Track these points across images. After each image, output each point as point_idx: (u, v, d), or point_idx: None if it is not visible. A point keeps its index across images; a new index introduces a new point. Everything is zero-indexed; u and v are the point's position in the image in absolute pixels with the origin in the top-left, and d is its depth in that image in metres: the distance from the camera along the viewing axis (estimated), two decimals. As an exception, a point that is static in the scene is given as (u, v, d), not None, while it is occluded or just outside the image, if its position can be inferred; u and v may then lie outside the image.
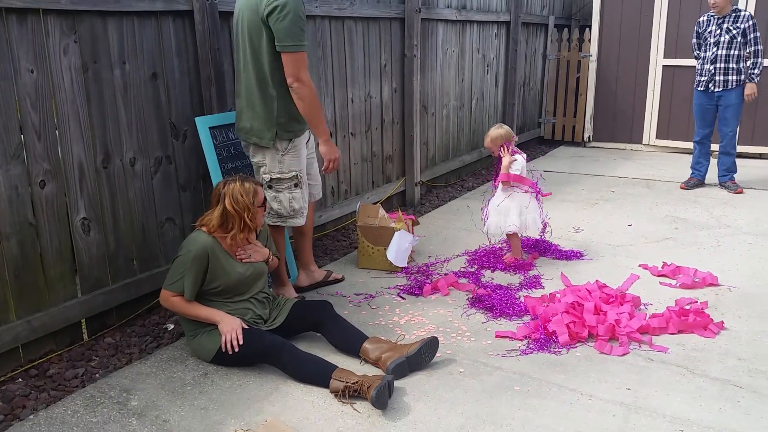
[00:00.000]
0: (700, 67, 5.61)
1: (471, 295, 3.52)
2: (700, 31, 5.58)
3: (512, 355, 2.91)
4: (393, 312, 3.39)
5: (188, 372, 2.81)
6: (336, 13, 4.36)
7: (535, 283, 3.71)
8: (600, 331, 3.00)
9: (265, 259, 3.01)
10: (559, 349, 2.95)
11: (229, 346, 2.69)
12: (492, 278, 3.82)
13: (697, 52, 5.66)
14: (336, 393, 2.56)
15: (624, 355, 2.89)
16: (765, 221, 4.80)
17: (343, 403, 2.53)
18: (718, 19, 5.41)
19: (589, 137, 8.04)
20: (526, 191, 3.90)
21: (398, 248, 3.89)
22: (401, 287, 3.70)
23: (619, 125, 7.82)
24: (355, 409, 2.49)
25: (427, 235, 4.65)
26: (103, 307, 3.15)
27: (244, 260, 2.88)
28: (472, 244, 4.41)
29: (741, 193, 5.59)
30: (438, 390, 2.63)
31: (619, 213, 5.12)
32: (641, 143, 7.70)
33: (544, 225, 4.04)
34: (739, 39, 5.34)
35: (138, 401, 2.60)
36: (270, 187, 3.23)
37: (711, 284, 3.63)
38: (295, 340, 2.99)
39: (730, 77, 5.42)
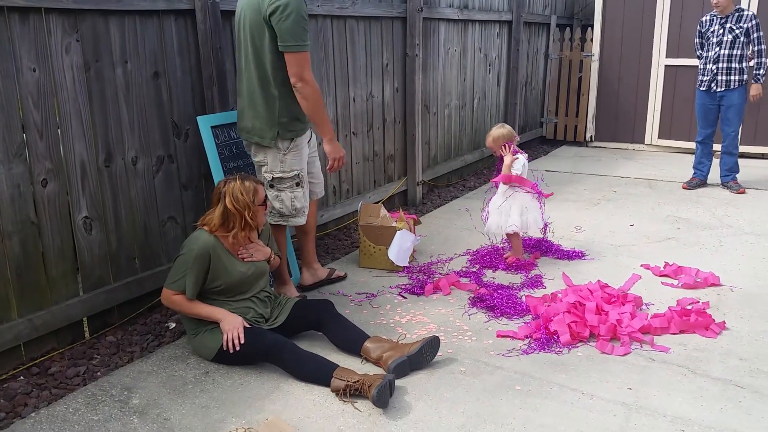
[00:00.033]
0: (702, 67, 5.60)
1: (472, 295, 3.52)
2: (702, 30, 5.57)
3: (513, 354, 2.91)
4: (394, 311, 3.39)
5: (189, 370, 2.82)
6: (338, 12, 4.36)
7: (536, 282, 3.70)
8: (601, 331, 3.00)
9: (267, 258, 3.01)
10: (561, 349, 2.94)
11: (230, 344, 2.70)
12: (493, 278, 3.82)
13: (700, 51, 5.65)
14: (337, 392, 2.56)
15: (625, 354, 2.89)
16: (767, 221, 4.79)
17: (344, 402, 2.53)
18: (721, 18, 5.40)
19: (591, 137, 8.04)
20: (528, 191, 3.90)
21: (400, 248, 3.89)
22: (402, 286, 3.70)
23: (621, 125, 7.81)
24: (356, 408, 2.49)
25: (428, 235, 4.65)
26: (104, 306, 3.15)
27: (246, 259, 2.89)
28: (474, 244, 4.40)
29: (743, 193, 5.58)
30: (439, 389, 2.63)
31: (621, 213, 5.11)
32: (643, 143, 7.69)
33: (545, 225, 4.03)
34: (742, 39, 5.33)
35: (139, 399, 2.60)
36: (272, 186, 3.24)
37: (713, 284, 3.62)
38: (297, 339, 2.99)
39: (732, 77, 5.41)
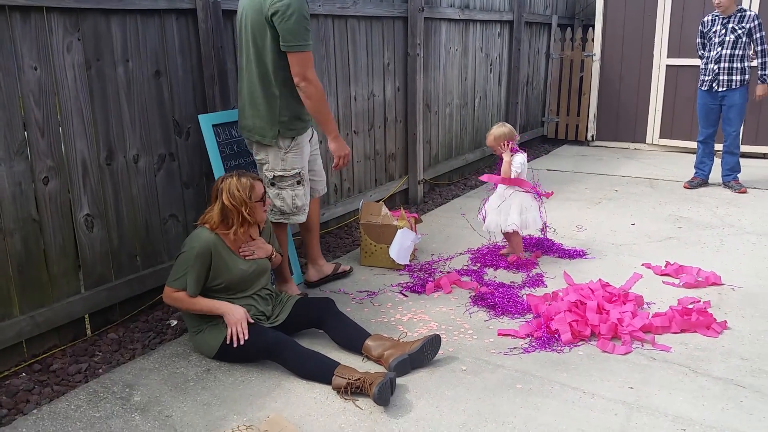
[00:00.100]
0: (704, 67, 5.59)
1: (473, 293, 3.52)
2: (704, 30, 5.57)
3: (515, 353, 2.91)
4: (395, 309, 3.39)
5: (191, 368, 2.82)
6: (339, 12, 4.37)
7: (537, 281, 3.70)
8: (602, 330, 3.00)
9: (268, 256, 3.01)
10: (562, 348, 2.94)
11: (235, 338, 2.70)
12: (494, 276, 3.82)
13: (702, 51, 5.64)
14: (338, 390, 2.56)
15: (626, 353, 2.88)
16: (768, 221, 4.80)
17: (346, 399, 2.53)
18: (723, 18, 5.39)
19: (592, 136, 8.03)
20: (527, 191, 3.90)
21: (401, 246, 3.90)
22: (404, 285, 3.70)
23: (622, 124, 7.81)
24: (357, 406, 2.50)
25: (429, 233, 4.65)
26: (106, 303, 3.16)
27: (247, 257, 2.89)
28: (475, 243, 4.40)
29: (745, 192, 5.58)
30: (440, 387, 2.63)
31: (622, 212, 5.11)
32: (644, 142, 7.69)
33: (545, 225, 4.03)
34: (744, 39, 5.32)
35: (141, 396, 2.61)
36: (273, 184, 3.24)
37: (714, 284, 3.62)
38: (298, 336, 3.00)
39: (734, 77, 5.40)
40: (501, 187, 3.93)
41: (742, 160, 5.81)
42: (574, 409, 2.47)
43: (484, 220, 3.98)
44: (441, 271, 3.89)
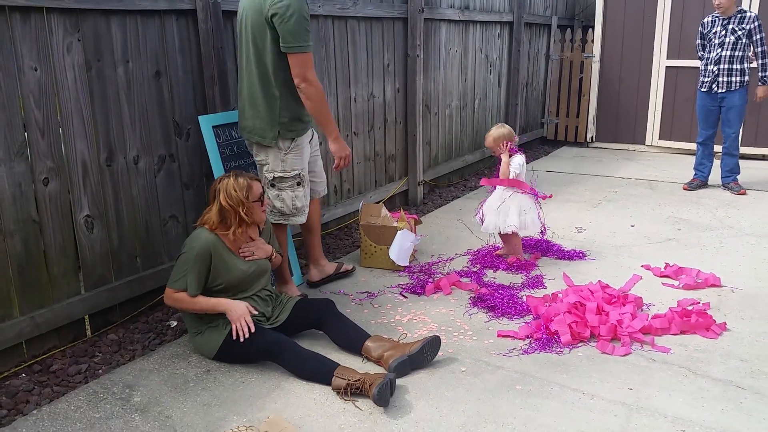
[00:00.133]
0: (703, 68, 5.60)
1: (473, 295, 3.52)
2: (704, 32, 5.57)
3: (514, 354, 2.92)
4: (395, 311, 3.39)
5: (191, 368, 2.82)
6: (339, 12, 4.37)
7: (537, 282, 3.70)
8: (602, 332, 3.00)
9: (268, 257, 3.01)
10: (561, 349, 2.95)
11: (241, 333, 2.69)
12: (494, 278, 3.82)
13: (701, 53, 5.65)
14: (338, 390, 2.56)
15: (626, 355, 2.89)
16: (768, 222, 4.80)
17: (345, 400, 2.53)
18: (723, 20, 5.40)
19: (591, 138, 8.04)
20: (525, 192, 3.91)
21: (400, 247, 3.90)
22: (403, 286, 3.70)
23: (621, 126, 7.81)
24: (357, 407, 2.50)
25: (429, 235, 4.66)
26: (106, 304, 3.16)
27: (247, 258, 2.89)
28: (475, 244, 4.41)
29: (744, 194, 5.58)
30: (440, 388, 2.63)
31: (621, 213, 5.11)
32: (644, 144, 7.69)
33: (543, 227, 4.03)
34: (744, 40, 5.33)
35: (141, 397, 2.61)
36: (273, 185, 3.24)
37: (713, 285, 3.62)
38: (298, 337, 3.00)
39: (733, 78, 5.41)
40: (500, 188, 3.94)
41: (741, 162, 5.81)
42: (573, 411, 2.47)
43: (482, 222, 3.99)
44: (441, 273, 3.89)
